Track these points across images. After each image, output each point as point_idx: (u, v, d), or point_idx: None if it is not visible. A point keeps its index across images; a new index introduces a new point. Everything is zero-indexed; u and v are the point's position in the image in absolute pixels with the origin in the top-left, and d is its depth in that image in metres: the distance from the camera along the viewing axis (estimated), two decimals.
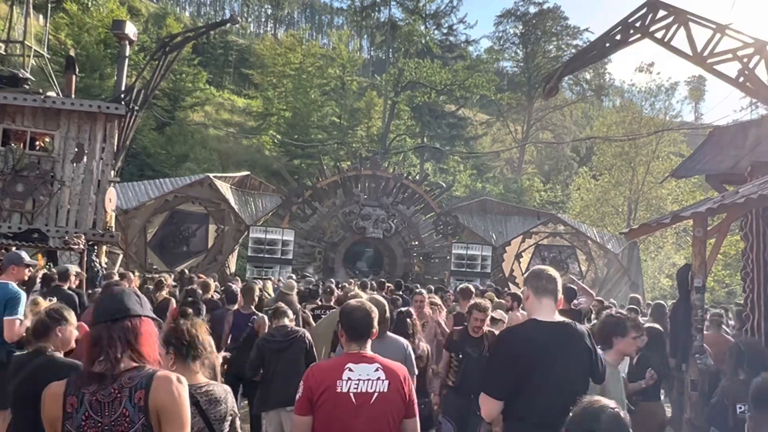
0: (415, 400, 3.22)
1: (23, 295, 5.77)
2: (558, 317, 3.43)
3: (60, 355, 3.63)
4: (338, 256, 22.72)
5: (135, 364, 2.29)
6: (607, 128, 39.15)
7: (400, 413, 3.15)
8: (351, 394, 3.06)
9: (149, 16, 53.70)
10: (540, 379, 3.21)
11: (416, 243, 24.30)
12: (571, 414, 2.15)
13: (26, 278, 6.32)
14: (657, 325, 6.87)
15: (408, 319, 5.78)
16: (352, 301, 3.51)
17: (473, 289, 9.01)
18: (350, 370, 3.11)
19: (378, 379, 3.11)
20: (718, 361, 6.82)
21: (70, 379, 2.32)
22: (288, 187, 25.04)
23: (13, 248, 12.53)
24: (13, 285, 5.72)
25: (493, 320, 7.30)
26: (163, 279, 9.23)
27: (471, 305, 6.14)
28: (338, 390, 3.05)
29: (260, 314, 7.46)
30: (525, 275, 3.66)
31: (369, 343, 3.26)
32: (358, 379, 3.09)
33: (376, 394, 3.08)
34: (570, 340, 3.35)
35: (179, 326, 3.26)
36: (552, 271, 3.52)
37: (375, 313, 3.36)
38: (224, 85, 53.39)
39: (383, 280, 13.64)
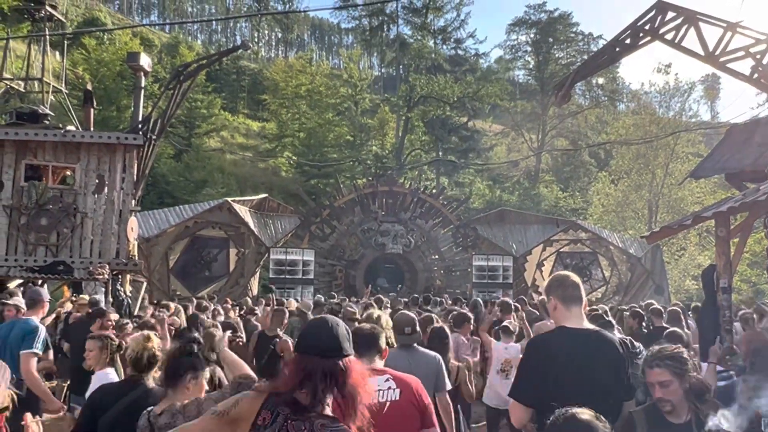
0: (432, 411, 3.23)
1: (43, 329, 5.89)
2: (587, 324, 3.40)
3: (154, 384, 3.72)
4: (359, 273, 22.73)
5: (331, 414, 2.24)
6: (625, 131, 38.88)
7: (415, 422, 3.17)
8: None
9: (162, 46, 54.64)
10: (572, 387, 3.15)
11: (436, 257, 24.25)
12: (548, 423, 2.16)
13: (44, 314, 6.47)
14: (677, 329, 6.80)
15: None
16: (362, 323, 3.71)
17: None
18: None
19: (389, 388, 3.17)
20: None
21: (269, 395, 2.29)
22: (306, 207, 25.16)
23: (40, 282, 12.74)
24: (34, 320, 5.83)
25: (506, 331, 7.25)
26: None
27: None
28: None
29: (284, 336, 7.45)
30: (546, 283, 3.59)
31: (378, 357, 3.37)
32: None
33: (388, 404, 3.13)
34: (601, 347, 3.30)
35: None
36: (575, 277, 3.48)
37: (380, 331, 3.52)
38: (238, 110, 54.01)
39: (416, 296, 13.53)
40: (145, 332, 4.00)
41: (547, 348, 3.33)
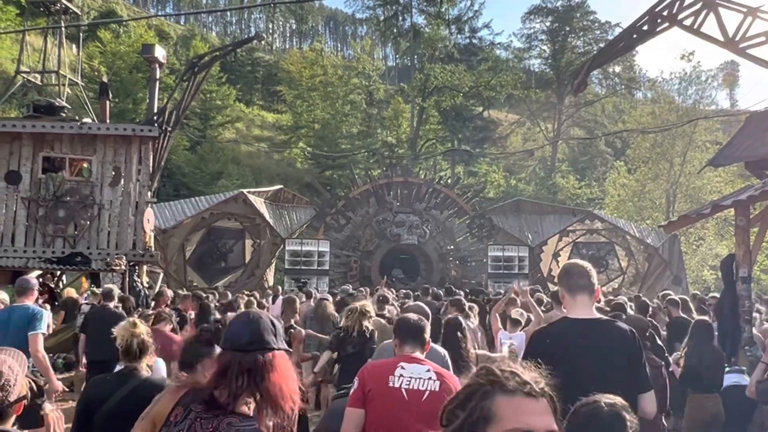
0: None
1: (46, 313, 6.20)
2: (595, 314, 3.28)
3: (149, 374, 3.68)
4: (374, 264, 22.73)
5: (245, 413, 2.15)
6: (642, 119, 38.42)
7: None
8: (403, 390, 3.14)
9: (177, 38, 54.85)
10: (572, 378, 3.07)
11: (452, 247, 24.17)
12: (570, 411, 2.06)
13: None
14: (706, 318, 6.72)
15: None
16: (409, 312, 3.74)
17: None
18: (402, 368, 3.21)
19: (429, 378, 3.18)
20: None
21: (189, 390, 2.22)
22: (321, 198, 25.19)
23: (58, 273, 12.89)
24: (34, 305, 6.11)
25: (514, 322, 7.18)
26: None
27: None
28: (390, 385, 3.15)
29: (297, 327, 7.45)
30: (558, 274, 3.54)
31: (420, 349, 3.38)
32: (410, 377, 3.18)
33: (427, 392, 3.14)
34: (609, 337, 3.18)
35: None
36: (584, 265, 3.35)
37: (425, 322, 3.52)
38: (253, 102, 54.12)
39: (427, 286, 13.44)
40: (131, 319, 3.92)
41: (546, 339, 3.26)
